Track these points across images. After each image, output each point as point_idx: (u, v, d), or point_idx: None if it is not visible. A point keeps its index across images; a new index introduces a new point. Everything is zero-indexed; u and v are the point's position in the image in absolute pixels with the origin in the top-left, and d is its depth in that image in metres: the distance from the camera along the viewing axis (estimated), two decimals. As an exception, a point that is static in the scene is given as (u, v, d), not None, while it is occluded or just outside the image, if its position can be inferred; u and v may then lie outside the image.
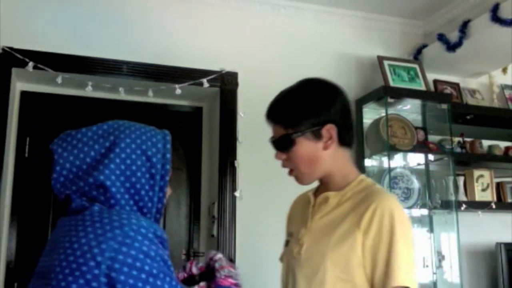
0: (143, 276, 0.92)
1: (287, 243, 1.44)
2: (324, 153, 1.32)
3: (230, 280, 1.22)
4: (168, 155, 1.10)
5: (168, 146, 1.11)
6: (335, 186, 1.35)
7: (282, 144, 1.32)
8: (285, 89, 1.38)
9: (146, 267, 0.93)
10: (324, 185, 1.39)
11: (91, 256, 0.93)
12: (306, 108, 1.32)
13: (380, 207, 1.23)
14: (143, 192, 1.06)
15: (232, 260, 1.40)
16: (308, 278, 1.28)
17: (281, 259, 1.48)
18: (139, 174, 1.06)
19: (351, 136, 1.38)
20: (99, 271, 0.91)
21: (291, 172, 1.36)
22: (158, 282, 0.93)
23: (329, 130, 1.31)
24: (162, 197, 1.09)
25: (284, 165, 1.36)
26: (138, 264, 0.93)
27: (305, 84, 1.38)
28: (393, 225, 1.21)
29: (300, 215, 1.43)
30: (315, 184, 1.44)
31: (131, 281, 0.91)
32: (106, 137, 1.07)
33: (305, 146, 1.31)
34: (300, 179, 1.36)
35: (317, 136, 1.30)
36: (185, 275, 1.25)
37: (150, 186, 1.07)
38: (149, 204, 1.07)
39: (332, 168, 1.34)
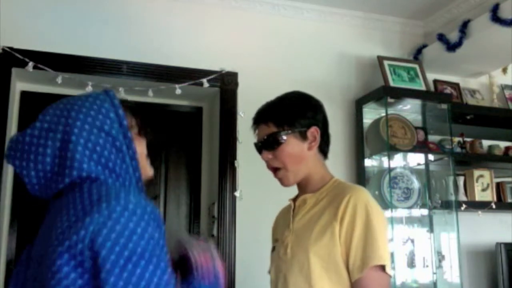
0: (126, 253, 0.87)
1: (273, 249, 1.53)
2: (308, 153, 1.43)
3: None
4: (125, 122, 1.05)
5: (120, 111, 1.05)
6: (312, 188, 1.46)
7: (271, 142, 1.42)
8: (273, 99, 1.51)
9: (130, 245, 0.88)
10: (302, 189, 1.50)
11: (75, 230, 0.89)
12: (297, 109, 1.45)
13: (353, 197, 1.33)
14: (117, 169, 1.02)
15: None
16: (296, 274, 1.36)
17: (270, 271, 1.55)
18: (106, 153, 1.01)
19: (328, 148, 1.51)
20: (83, 244, 0.87)
21: (276, 174, 1.46)
22: (142, 262, 0.88)
23: (314, 132, 1.43)
24: (136, 166, 1.05)
25: (270, 165, 1.46)
26: (122, 240, 0.87)
27: (292, 92, 1.52)
28: (368, 213, 1.31)
29: (283, 222, 1.53)
30: (295, 192, 1.53)
31: (112, 257, 0.86)
32: (54, 129, 1.01)
33: (293, 144, 1.42)
34: (285, 179, 1.45)
35: (304, 136, 1.43)
36: None
37: (122, 160, 1.03)
38: (128, 177, 1.03)
39: (312, 170, 1.45)
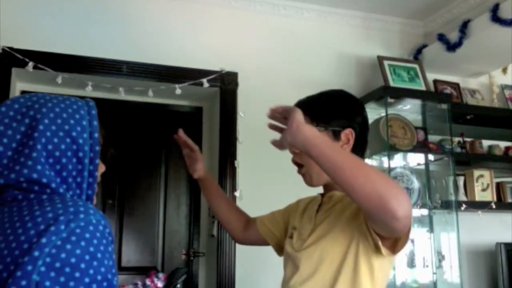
0: (87, 280, 0.80)
1: (291, 235, 1.44)
2: None
3: None
4: (96, 134, 0.95)
5: (95, 123, 0.96)
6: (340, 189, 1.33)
7: None
8: (316, 93, 1.44)
9: (91, 271, 0.81)
10: (331, 188, 1.40)
11: (27, 249, 0.79)
12: (336, 107, 1.38)
13: None
14: (70, 180, 0.92)
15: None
16: (307, 274, 1.28)
17: (258, 219, 1.59)
18: (64, 160, 0.91)
19: (363, 154, 1.42)
20: (33, 267, 0.78)
21: (299, 169, 1.38)
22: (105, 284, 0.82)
23: (348, 134, 1.36)
24: (93, 183, 0.96)
25: (295, 160, 1.38)
26: (82, 265, 0.80)
27: (336, 90, 1.46)
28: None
29: (305, 212, 1.44)
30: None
31: (71, 283, 0.79)
32: (20, 120, 0.91)
33: None
34: (308, 178, 1.37)
35: (336, 137, 1.35)
36: None
37: (78, 172, 0.93)
38: (78, 192, 0.94)
39: None
